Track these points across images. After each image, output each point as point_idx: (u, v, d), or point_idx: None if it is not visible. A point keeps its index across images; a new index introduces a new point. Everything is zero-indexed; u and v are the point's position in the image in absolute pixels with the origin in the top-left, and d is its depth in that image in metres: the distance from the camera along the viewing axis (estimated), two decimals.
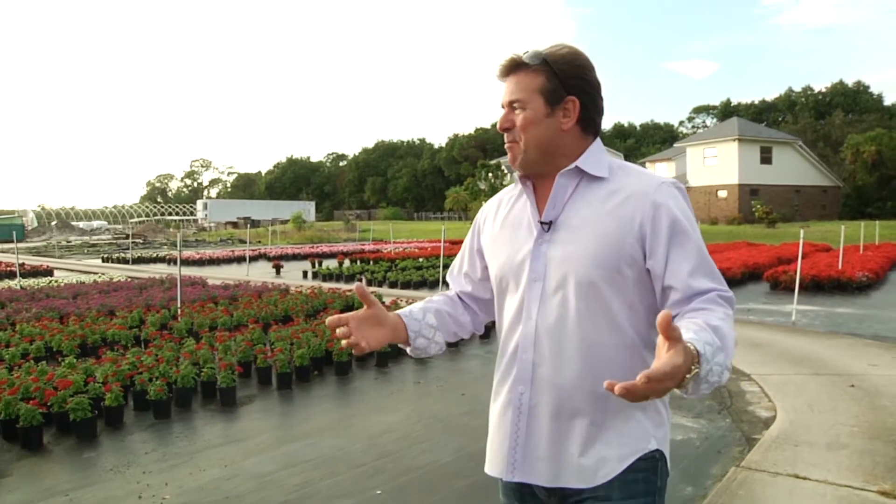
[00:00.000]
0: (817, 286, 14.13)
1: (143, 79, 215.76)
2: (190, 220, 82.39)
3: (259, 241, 40.42)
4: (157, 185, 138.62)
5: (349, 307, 11.20)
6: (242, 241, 41.58)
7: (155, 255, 29.16)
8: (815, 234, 28.28)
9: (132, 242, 41.87)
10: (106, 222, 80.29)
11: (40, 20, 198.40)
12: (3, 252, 34.54)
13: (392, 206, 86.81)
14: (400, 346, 1.85)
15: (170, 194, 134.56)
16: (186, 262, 24.97)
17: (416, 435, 5.45)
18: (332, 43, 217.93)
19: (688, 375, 1.26)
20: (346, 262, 22.67)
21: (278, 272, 20.62)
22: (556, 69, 1.65)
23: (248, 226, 52.06)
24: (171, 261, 26.18)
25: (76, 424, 5.51)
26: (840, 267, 15.21)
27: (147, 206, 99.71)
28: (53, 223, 74.36)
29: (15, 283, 15.97)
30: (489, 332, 8.12)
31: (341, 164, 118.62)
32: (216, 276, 17.97)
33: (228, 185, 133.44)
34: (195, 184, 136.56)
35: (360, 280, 17.70)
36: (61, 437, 5.53)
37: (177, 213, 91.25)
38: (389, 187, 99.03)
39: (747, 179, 47.55)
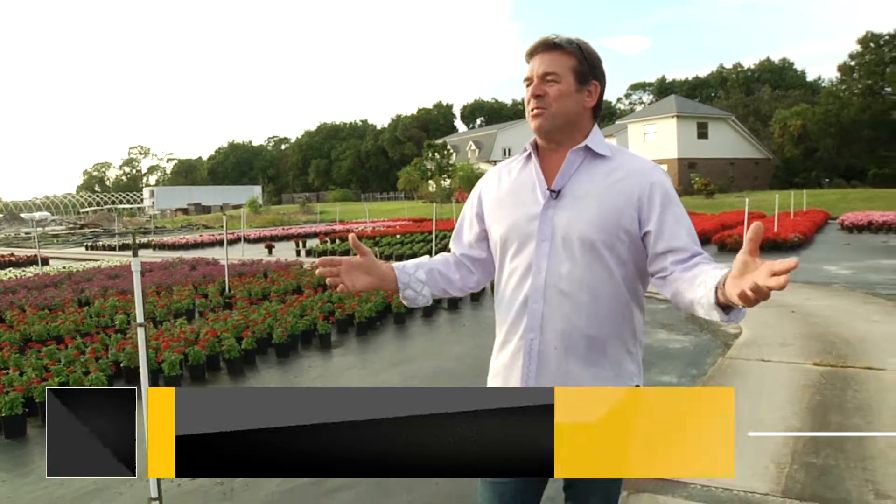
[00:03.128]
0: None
1: (73, 62, 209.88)
2: (136, 209, 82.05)
3: (220, 226, 41.37)
4: (94, 173, 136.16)
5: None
6: (207, 227, 42.72)
7: (139, 241, 30.34)
8: (749, 203, 30.90)
9: (91, 232, 42.65)
10: (49, 213, 79.40)
11: None
12: None
13: (339, 187, 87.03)
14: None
15: (108, 183, 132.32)
16: (173, 247, 26.33)
17: (489, 357, 7.37)
18: (272, 24, 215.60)
19: None
20: (328, 241, 24.15)
21: (270, 252, 21.97)
22: (585, 55, 1.90)
23: (223, 211, 52.64)
24: (156, 246, 27.54)
25: (228, 362, 7.31)
26: (776, 230, 17.74)
27: (87, 196, 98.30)
28: None
29: (38, 270, 17.26)
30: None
31: (283, 147, 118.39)
32: (215, 257, 19.34)
33: (168, 171, 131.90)
34: (134, 171, 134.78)
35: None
36: (215, 372, 7.26)
37: (122, 202, 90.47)
38: (334, 169, 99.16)
39: (686, 154, 49.57)
